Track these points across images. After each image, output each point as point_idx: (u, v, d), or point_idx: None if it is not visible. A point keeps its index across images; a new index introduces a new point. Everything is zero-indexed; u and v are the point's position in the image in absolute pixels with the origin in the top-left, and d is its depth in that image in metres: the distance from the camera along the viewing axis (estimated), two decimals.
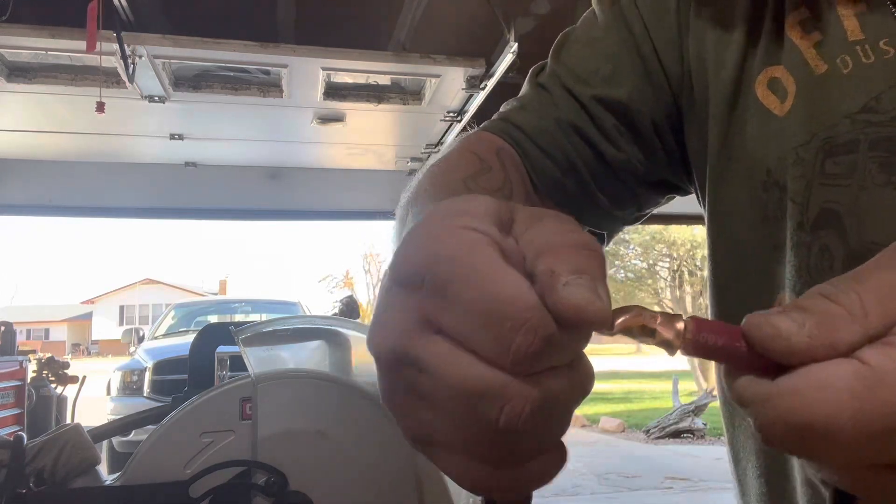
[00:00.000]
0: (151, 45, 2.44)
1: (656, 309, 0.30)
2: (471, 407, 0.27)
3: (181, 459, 0.87)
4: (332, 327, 1.05)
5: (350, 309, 3.90)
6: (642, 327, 0.29)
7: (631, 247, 18.41)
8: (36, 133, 3.54)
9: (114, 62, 2.51)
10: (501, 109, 0.72)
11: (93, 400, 5.84)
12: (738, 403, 0.29)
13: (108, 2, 2.21)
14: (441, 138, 3.73)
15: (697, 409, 9.53)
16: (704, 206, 0.64)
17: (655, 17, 0.64)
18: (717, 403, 9.62)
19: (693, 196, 0.68)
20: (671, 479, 6.82)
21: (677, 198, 0.72)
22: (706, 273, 0.67)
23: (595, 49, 0.66)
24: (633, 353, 34.00)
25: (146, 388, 6.12)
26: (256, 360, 0.95)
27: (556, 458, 0.30)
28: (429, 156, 4.08)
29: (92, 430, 0.99)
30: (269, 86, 2.92)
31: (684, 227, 15.53)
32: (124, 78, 2.59)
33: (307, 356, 1.04)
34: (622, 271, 18.84)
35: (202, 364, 1.11)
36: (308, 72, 2.75)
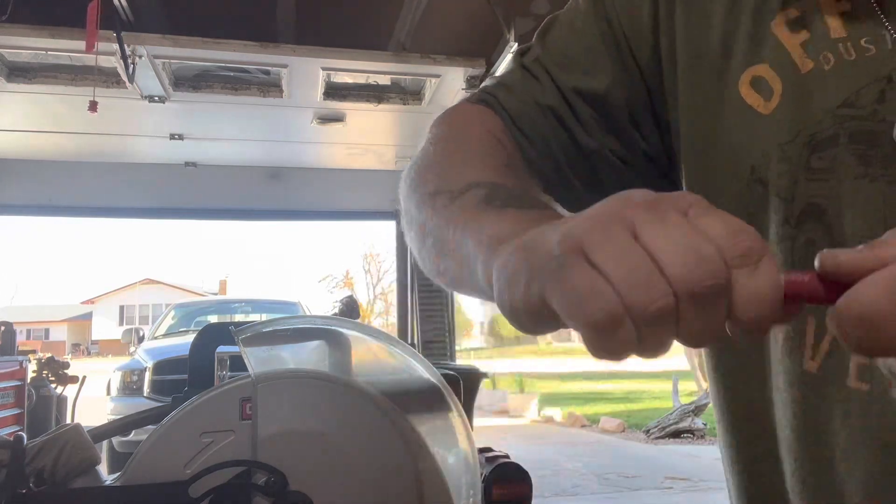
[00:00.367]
0: (151, 45, 2.44)
1: None
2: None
3: (181, 459, 0.87)
4: (332, 327, 1.05)
5: (350, 309, 3.90)
6: None
7: None
8: (36, 133, 3.54)
9: (114, 62, 2.51)
10: (487, 84, 0.73)
11: (93, 400, 5.84)
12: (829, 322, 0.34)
13: (108, 2, 2.21)
14: None
15: (697, 409, 9.53)
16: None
17: (628, 14, 0.66)
18: None
19: None
20: (671, 479, 6.82)
21: None
22: None
23: (577, 38, 0.68)
24: None
25: (146, 388, 6.12)
26: (256, 360, 0.95)
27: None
28: None
29: (92, 430, 0.99)
30: (269, 86, 2.92)
31: None
32: (124, 78, 2.59)
33: (307, 356, 1.04)
34: None
35: (202, 364, 1.11)
36: (308, 72, 2.74)
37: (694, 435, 9.27)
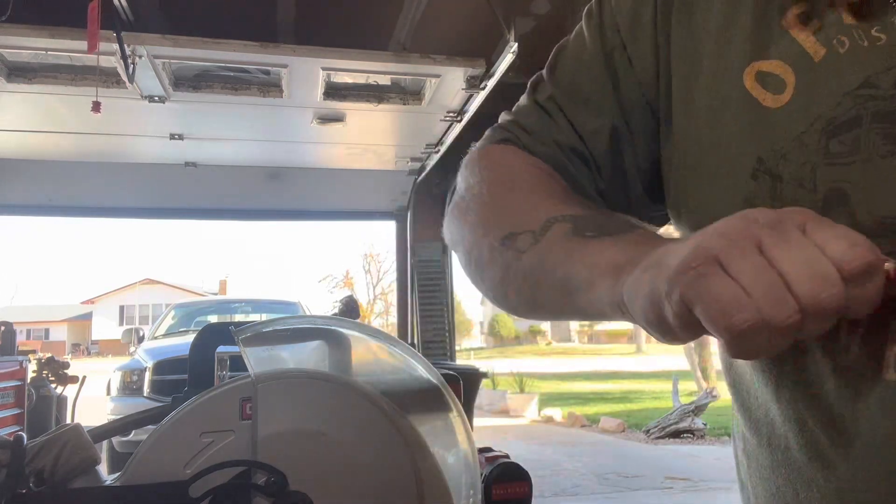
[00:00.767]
0: (151, 45, 2.44)
1: None
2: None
3: (181, 459, 0.87)
4: (332, 327, 1.05)
5: (350, 309, 3.90)
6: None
7: None
8: (36, 133, 3.54)
9: (114, 62, 2.51)
10: (504, 122, 0.75)
11: (93, 400, 5.84)
12: None
13: (108, 2, 2.22)
14: (441, 138, 3.72)
15: (697, 409, 9.52)
16: (674, 205, 0.65)
17: (631, 32, 0.67)
18: (717, 403, 9.63)
19: None
20: (671, 479, 6.82)
21: None
22: None
23: (584, 72, 0.70)
24: (633, 353, 34.02)
25: (146, 388, 6.11)
26: (256, 360, 0.95)
27: None
28: (428, 156, 4.07)
29: (92, 430, 0.99)
30: (269, 86, 2.92)
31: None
32: (124, 78, 2.59)
33: (307, 356, 1.04)
34: None
35: (202, 364, 1.11)
36: (308, 72, 2.74)
37: (694, 435, 9.27)
